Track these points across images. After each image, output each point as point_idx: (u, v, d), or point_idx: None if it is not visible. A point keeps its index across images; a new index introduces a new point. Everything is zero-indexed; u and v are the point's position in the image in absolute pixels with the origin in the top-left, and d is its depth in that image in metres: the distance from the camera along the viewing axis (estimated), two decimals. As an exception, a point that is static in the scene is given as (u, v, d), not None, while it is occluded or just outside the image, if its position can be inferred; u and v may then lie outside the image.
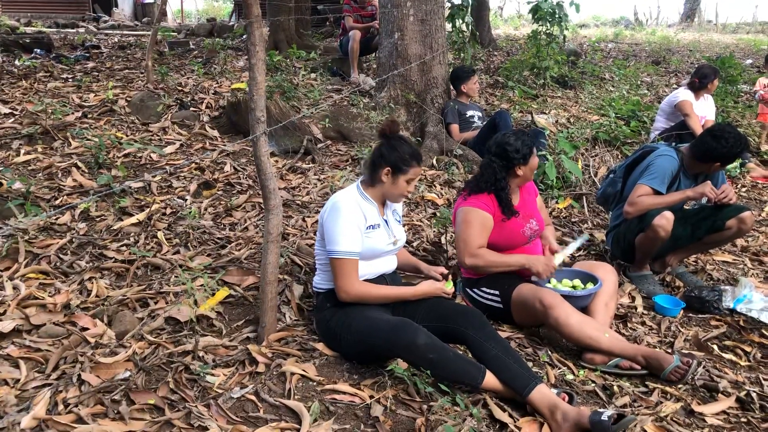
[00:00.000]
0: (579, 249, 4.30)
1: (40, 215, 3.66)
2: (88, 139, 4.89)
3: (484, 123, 5.78)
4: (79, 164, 4.51)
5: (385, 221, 2.98)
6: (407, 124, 6.03)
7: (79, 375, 2.47)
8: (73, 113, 5.44)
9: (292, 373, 2.61)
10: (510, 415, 2.51)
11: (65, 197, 4.07)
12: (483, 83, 8.55)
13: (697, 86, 6.14)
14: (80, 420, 2.23)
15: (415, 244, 4.11)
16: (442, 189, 5.14)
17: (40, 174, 4.34)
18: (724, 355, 3.20)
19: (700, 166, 3.83)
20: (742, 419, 2.65)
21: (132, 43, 10.18)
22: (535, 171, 3.38)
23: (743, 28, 25.21)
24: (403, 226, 3.32)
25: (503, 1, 29.64)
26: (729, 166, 3.79)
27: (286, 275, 3.45)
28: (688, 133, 5.70)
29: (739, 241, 4.61)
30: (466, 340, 2.70)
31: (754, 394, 2.78)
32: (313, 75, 7.59)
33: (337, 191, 3.00)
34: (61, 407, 2.30)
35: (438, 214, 4.39)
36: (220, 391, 2.48)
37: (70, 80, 6.62)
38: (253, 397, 2.47)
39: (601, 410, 2.40)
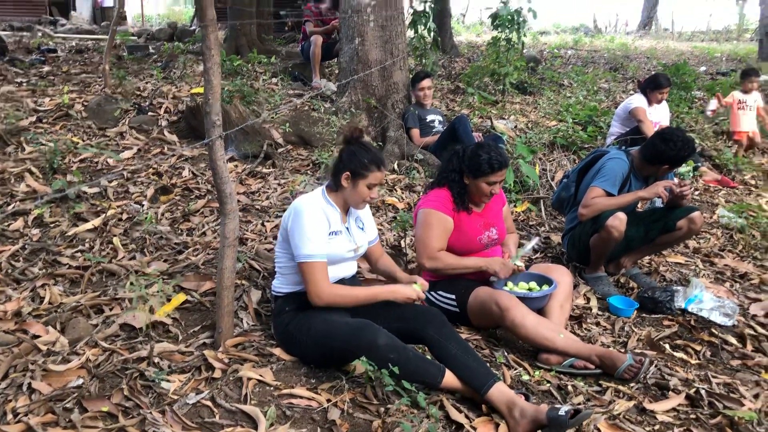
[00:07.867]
0: (534, 251, 4.37)
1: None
2: (42, 144, 4.79)
3: (445, 128, 5.83)
4: (33, 169, 4.42)
5: (347, 228, 2.98)
6: (368, 129, 6.04)
7: (29, 383, 2.42)
8: (27, 118, 5.33)
9: (249, 378, 2.60)
10: (466, 416, 2.54)
11: (18, 203, 3.99)
12: (444, 89, 8.61)
13: (649, 92, 6.25)
14: (30, 429, 2.19)
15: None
16: (402, 193, 5.16)
17: (-9, 179, 4.24)
18: (675, 353, 3.28)
19: (649, 169, 3.93)
20: (692, 416, 2.72)
21: (90, 47, 10.00)
22: (484, 197, 3.30)
23: (698, 36, 25.85)
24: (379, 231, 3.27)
25: (465, 8, 29.83)
26: (682, 170, 3.89)
27: (245, 280, 3.43)
28: (641, 138, 5.82)
29: (691, 243, 4.73)
30: (426, 339, 2.73)
31: (703, 392, 2.85)
32: (274, 80, 7.56)
33: (298, 196, 2.99)
34: (10, 417, 2.25)
35: (398, 218, 4.41)
36: (176, 397, 2.45)
37: (25, 84, 6.48)
38: (209, 403, 2.45)
39: (558, 406, 2.44)
